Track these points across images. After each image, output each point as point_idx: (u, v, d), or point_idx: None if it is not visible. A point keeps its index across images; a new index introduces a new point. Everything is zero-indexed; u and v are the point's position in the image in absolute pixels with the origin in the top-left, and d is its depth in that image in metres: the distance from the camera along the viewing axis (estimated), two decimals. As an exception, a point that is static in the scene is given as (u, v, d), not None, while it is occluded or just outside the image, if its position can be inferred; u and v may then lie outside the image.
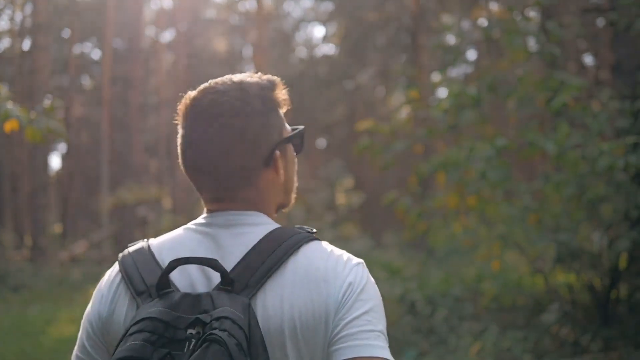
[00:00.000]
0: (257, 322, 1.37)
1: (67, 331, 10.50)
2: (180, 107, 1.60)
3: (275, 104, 1.62)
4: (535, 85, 6.96)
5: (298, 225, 1.60)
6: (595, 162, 5.94)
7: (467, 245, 8.22)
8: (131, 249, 1.57)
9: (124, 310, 1.50)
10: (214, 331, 1.27)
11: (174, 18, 34.01)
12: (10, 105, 5.98)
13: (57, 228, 38.18)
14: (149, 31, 38.36)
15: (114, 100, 30.81)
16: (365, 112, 30.04)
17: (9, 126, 5.97)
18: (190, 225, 1.61)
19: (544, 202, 6.81)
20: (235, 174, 1.55)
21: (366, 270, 1.54)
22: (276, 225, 1.58)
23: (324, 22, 34.52)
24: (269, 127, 1.58)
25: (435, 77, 9.10)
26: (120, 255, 1.57)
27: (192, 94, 1.60)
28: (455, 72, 7.63)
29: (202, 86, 1.60)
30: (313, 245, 1.53)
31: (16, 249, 22.96)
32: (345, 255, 1.54)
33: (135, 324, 1.34)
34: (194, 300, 1.37)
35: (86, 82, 42.01)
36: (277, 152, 1.60)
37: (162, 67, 33.14)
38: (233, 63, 38.80)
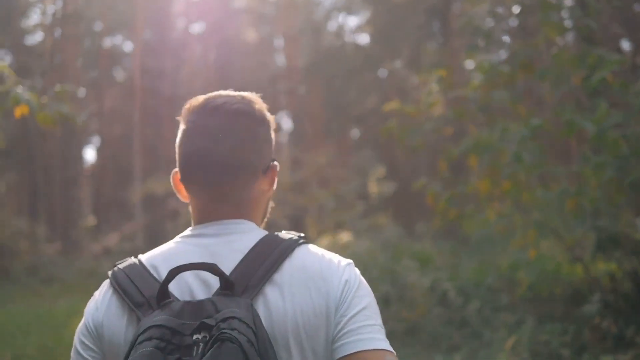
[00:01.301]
0: (261, 322, 1.41)
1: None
2: (189, 105, 1.68)
3: (271, 124, 1.73)
4: (572, 62, 6.55)
5: (286, 231, 1.66)
6: (637, 142, 5.55)
7: (501, 232, 7.84)
8: (121, 265, 1.58)
9: (123, 324, 1.50)
10: (224, 330, 1.29)
11: (204, 9, 33.82)
12: (19, 89, 5.76)
13: (90, 220, 38.36)
14: (180, 22, 38.27)
15: (145, 92, 30.70)
16: (399, 101, 29.57)
17: (19, 111, 5.76)
18: (179, 238, 1.64)
19: (582, 186, 6.38)
20: (240, 169, 1.61)
21: (357, 269, 1.62)
22: (265, 232, 1.64)
23: (355, 11, 34.15)
24: (270, 139, 1.71)
25: (467, 61, 8.70)
26: (110, 272, 1.57)
27: (202, 96, 1.69)
28: (488, 58, 7.24)
29: (210, 93, 1.71)
30: (305, 248, 1.60)
31: (49, 242, 22.92)
32: (335, 256, 1.62)
33: (142, 333, 1.35)
34: (196, 306, 1.40)
35: (118, 74, 42.08)
36: (275, 164, 1.71)
37: (193, 58, 32.92)
38: (264, 53, 38.59)
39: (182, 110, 1.70)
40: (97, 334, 1.53)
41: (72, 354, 1.57)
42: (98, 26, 35.18)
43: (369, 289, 1.60)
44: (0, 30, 30.83)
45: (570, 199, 6.33)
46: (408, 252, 10.82)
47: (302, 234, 1.64)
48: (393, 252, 11.12)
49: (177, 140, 1.70)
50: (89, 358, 1.54)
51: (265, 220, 1.81)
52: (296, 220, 21.70)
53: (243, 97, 1.69)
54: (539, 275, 7.35)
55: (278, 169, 1.73)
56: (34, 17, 35.42)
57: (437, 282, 8.28)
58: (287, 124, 34.92)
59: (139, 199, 26.01)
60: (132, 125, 30.15)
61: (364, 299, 1.55)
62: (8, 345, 8.92)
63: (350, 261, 1.63)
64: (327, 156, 24.09)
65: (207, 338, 1.32)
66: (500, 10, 8.30)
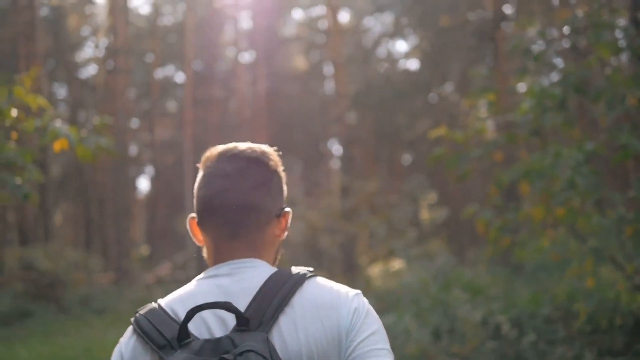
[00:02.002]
0: (278, 353, 1.47)
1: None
2: (209, 153, 1.79)
3: (283, 177, 1.84)
4: (627, 83, 6.28)
5: (294, 267, 1.72)
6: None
7: (556, 260, 7.54)
8: (142, 311, 1.64)
9: None
10: None
11: (253, 38, 34.02)
12: (58, 123, 5.71)
13: (144, 250, 38.64)
14: (229, 52, 38.58)
15: (196, 122, 30.92)
16: (449, 126, 29.31)
17: (58, 146, 5.71)
18: (195, 280, 1.71)
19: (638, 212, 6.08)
20: (255, 211, 1.71)
21: (365, 299, 1.70)
22: (275, 269, 1.71)
23: (403, 36, 34.03)
24: (283, 189, 1.82)
25: (517, 84, 8.45)
26: (132, 319, 1.63)
27: (222, 146, 1.80)
28: (539, 80, 7.01)
29: (227, 144, 1.81)
30: (315, 281, 1.69)
31: (103, 272, 23.08)
32: (344, 287, 1.71)
33: None
34: (214, 344, 1.47)
35: (170, 105, 42.53)
36: (288, 210, 1.81)
37: (242, 87, 33.08)
38: (313, 80, 38.63)
39: (202, 158, 1.80)
40: None
41: None
42: (149, 57, 35.58)
43: (377, 317, 1.69)
44: (55, 64, 31.41)
45: (628, 225, 6.04)
46: (460, 281, 10.53)
47: (311, 268, 1.73)
48: (444, 281, 10.85)
49: (196, 184, 1.79)
50: None
51: (277, 260, 1.86)
52: (347, 248, 21.49)
53: (260, 148, 1.80)
54: (597, 305, 7.03)
55: (290, 216, 1.82)
56: (88, 51, 36.01)
57: (490, 315, 7.98)
58: (337, 151, 34.84)
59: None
60: (183, 154, 30.35)
61: (372, 325, 1.63)
62: (54, 381, 8.87)
63: (359, 291, 1.71)
64: (378, 182, 23.90)
65: None
66: (551, 31, 8.05)
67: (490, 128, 7.51)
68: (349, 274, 19.22)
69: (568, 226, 6.70)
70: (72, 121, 28.16)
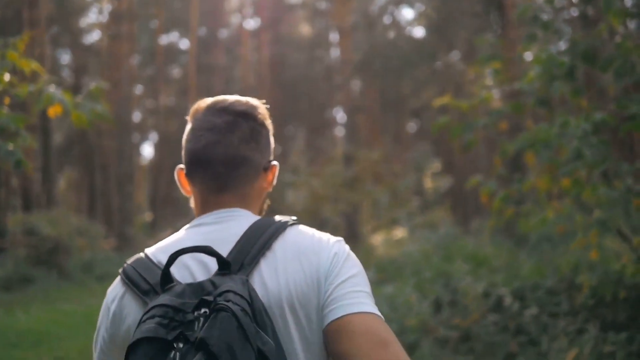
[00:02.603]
0: (257, 294, 1.50)
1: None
2: (197, 106, 1.82)
3: (271, 130, 1.86)
4: (637, 51, 6.10)
5: (278, 216, 1.75)
6: None
7: (561, 232, 7.40)
8: (129, 260, 1.69)
9: (133, 312, 1.60)
10: (219, 302, 1.38)
11: (258, 5, 33.73)
12: (52, 88, 5.58)
13: (147, 216, 38.66)
14: (234, 19, 38.32)
15: (200, 89, 30.74)
16: (455, 94, 29.08)
17: (53, 111, 5.59)
18: (182, 229, 1.76)
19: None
20: (243, 164, 1.74)
21: (347, 245, 1.72)
22: (259, 217, 1.76)
23: (409, 3, 33.66)
24: (270, 142, 1.84)
25: (524, 52, 8.25)
26: (120, 269, 1.68)
27: (210, 98, 1.82)
28: (547, 49, 6.80)
29: (217, 97, 1.83)
30: (297, 228, 1.72)
31: (105, 238, 23.02)
32: (326, 235, 1.73)
33: (146, 313, 1.44)
34: (196, 287, 1.49)
35: (175, 71, 42.31)
36: (275, 163, 1.85)
37: (247, 54, 32.85)
38: (318, 48, 38.35)
39: (191, 110, 1.83)
40: (113, 325, 1.64)
41: (93, 349, 1.73)
42: (154, 24, 35.34)
43: (358, 262, 1.69)
44: (59, 30, 31.18)
45: (636, 197, 5.90)
46: (462, 252, 10.43)
47: (294, 217, 1.75)
48: (446, 252, 10.75)
49: (184, 137, 1.81)
50: (104, 351, 1.68)
51: (263, 211, 1.91)
52: (350, 216, 21.41)
53: (249, 102, 1.81)
54: (601, 278, 6.90)
55: (277, 169, 1.87)
56: (92, 16, 35.75)
57: (493, 287, 7.87)
58: (341, 118, 34.66)
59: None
60: (186, 121, 30.18)
61: (352, 269, 1.64)
62: (52, 348, 8.81)
63: (340, 238, 1.73)
64: (382, 151, 23.76)
65: (207, 313, 1.40)
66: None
67: (495, 97, 7.32)
68: (351, 243, 19.07)
69: (574, 197, 6.55)
70: (76, 87, 27.97)
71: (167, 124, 39.10)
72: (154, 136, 43.59)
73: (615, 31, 6.69)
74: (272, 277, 1.58)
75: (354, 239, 20.08)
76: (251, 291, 1.47)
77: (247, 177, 1.76)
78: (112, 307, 1.65)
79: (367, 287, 1.63)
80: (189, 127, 1.81)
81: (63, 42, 32.94)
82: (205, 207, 1.76)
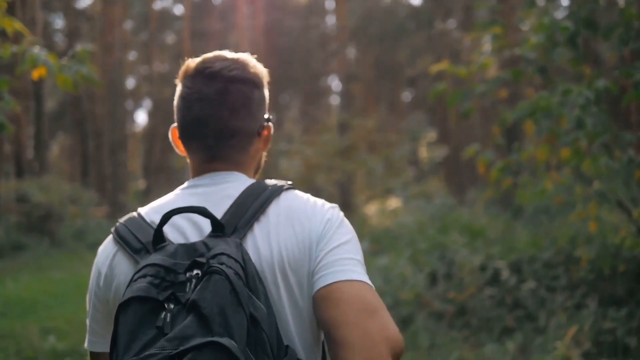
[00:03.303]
0: (250, 258, 1.49)
1: (129, 294, 10.01)
2: (186, 67, 1.74)
3: (265, 83, 1.79)
4: (640, 18, 5.89)
5: (274, 180, 1.73)
6: None
7: (559, 203, 7.24)
8: (122, 219, 1.68)
9: (124, 271, 1.58)
10: (213, 264, 1.37)
11: (253, -30, 33.32)
12: (37, 49, 5.37)
13: (141, 184, 38.49)
14: (229, -16, 37.91)
15: (194, 55, 30.30)
16: (452, 62, 28.74)
17: (37, 73, 5.39)
18: (176, 190, 1.74)
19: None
20: (236, 135, 1.71)
21: (341, 212, 1.71)
22: (254, 180, 1.74)
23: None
24: (264, 101, 1.78)
25: (525, 17, 8.02)
26: (113, 228, 1.66)
27: (199, 59, 1.73)
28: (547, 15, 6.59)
29: (206, 55, 1.75)
30: (292, 192, 1.70)
31: (98, 206, 22.83)
32: (320, 200, 1.71)
33: (138, 272, 1.43)
34: (189, 248, 1.48)
35: (169, 37, 41.91)
36: (269, 124, 1.81)
37: (241, 20, 32.48)
38: (314, 15, 37.97)
39: (180, 72, 1.76)
40: (103, 285, 1.63)
41: (87, 309, 1.72)
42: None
43: (352, 229, 1.67)
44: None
45: (638, 168, 5.72)
46: (458, 223, 10.25)
47: (290, 182, 1.73)
48: (442, 223, 10.58)
49: (175, 102, 1.77)
50: (97, 309, 1.67)
51: (259, 171, 1.90)
52: (344, 186, 21.26)
53: (238, 61, 1.74)
54: (600, 251, 6.75)
55: (272, 128, 1.83)
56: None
57: (489, 260, 7.71)
58: (336, 87, 34.40)
59: (183, 164, 25.87)
60: (181, 88, 29.92)
61: (345, 235, 1.62)
62: (40, 317, 8.66)
63: (335, 205, 1.72)
64: (377, 120, 23.54)
65: (200, 274, 1.39)
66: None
67: (493, 65, 7.09)
68: (345, 213, 18.95)
69: (573, 168, 6.37)
70: (69, 52, 27.57)
71: (161, 91, 38.80)
72: (147, 103, 43.35)
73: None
74: (264, 242, 1.58)
75: (347, 209, 19.93)
76: (244, 255, 1.47)
77: (239, 146, 1.74)
78: (103, 269, 1.63)
79: (358, 255, 1.61)
80: (178, 90, 1.76)
81: (55, 6, 32.51)
82: (200, 171, 1.74)
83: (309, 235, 1.59)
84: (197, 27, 31.21)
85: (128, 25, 32.19)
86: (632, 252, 6.91)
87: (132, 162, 38.59)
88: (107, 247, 1.66)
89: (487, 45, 6.56)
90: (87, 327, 1.72)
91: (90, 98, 28.16)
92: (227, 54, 1.76)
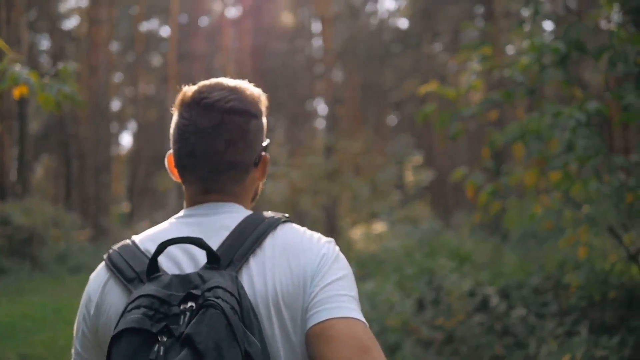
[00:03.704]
0: (246, 292, 1.48)
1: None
2: (183, 96, 1.72)
3: (262, 112, 1.78)
4: (633, 40, 5.81)
5: (271, 212, 1.72)
6: None
7: (548, 228, 7.12)
8: (115, 246, 1.66)
9: (116, 300, 1.56)
10: (209, 298, 1.37)
11: (240, -8, 33.33)
12: (17, 67, 5.22)
13: (125, 207, 38.22)
14: (216, 6, 37.89)
15: (180, 77, 30.30)
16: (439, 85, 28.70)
17: (18, 92, 5.22)
18: (171, 219, 1.73)
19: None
20: (232, 167, 1.69)
21: (337, 247, 1.69)
22: (251, 212, 1.72)
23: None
24: (262, 130, 1.77)
25: (515, 38, 7.94)
26: (106, 254, 1.64)
27: (196, 88, 1.72)
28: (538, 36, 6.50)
29: (203, 83, 1.74)
30: (288, 225, 1.69)
31: (81, 229, 22.57)
32: (316, 234, 1.70)
33: (131, 302, 1.41)
34: (183, 279, 1.47)
35: (155, 59, 41.81)
36: (266, 154, 1.79)
37: (227, 43, 32.43)
38: (300, 38, 37.99)
39: (176, 100, 1.74)
40: (94, 312, 1.59)
41: (74, 333, 1.67)
42: (134, 10, 34.84)
43: (347, 264, 1.66)
44: (38, 15, 30.65)
45: (629, 192, 5.61)
46: (445, 248, 10.12)
47: (286, 214, 1.72)
48: (429, 248, 10.44)
49: (171, 130, 1.74)
50: (83, 347, 1.64)
51: (256, 198, 1.88)
52: (329, 209, 21.12)
53: (236, 90, 1.72)
54: (589, 276, 6.62)
55: (269, 159, 1.81)
56: (70, 1, 35.20)
57: (478, 286, 7.56)
58: (322, 110, 34.34)
59: (172, 185, 25.68)
60: (166, 110, 29.82)
61: (340, 271, 1.60)
62: (18, 342, 8.45)
63: (331, 239, 1.69)
64: (363, 143, 23.46)
65: (194, 307, 1.38)
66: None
67: (483, 85, 6.97)
68: (331, 237, 18.87)
69: (563, 192, 6.26)
70: (59, 74, 27.36)
71: (147, 113, 38.67)
72: (133, 125, 43.16)
73: (599, 21, 6.42)
74: (259, 276, 1.56)
75: (333, 233, 19.79)
76: (240, 289, 1.46)
77: (236, 178, 1.72)
78: (95, 296, 1.61)
79: (353, 291, 1.59)
80: (174, 119, 1.73)
81: (41, 27, 32.38)
82: (195, 201, 1.73)
83: (304, 270, 1.58)
84: (183, 49, 31.10)
85: (114, 46, 32.07)
86: (622, 279, 6.81)
87: (116, 184, 38.34)
88: (99, 274, 1.64)
89: (476, 66, 6.44)
90: (73, 354, 1.67)
91: (75, 119, 27.99)
92: (224, 82, 1.74)
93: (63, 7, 34.21)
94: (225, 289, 1.39)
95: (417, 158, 21.40)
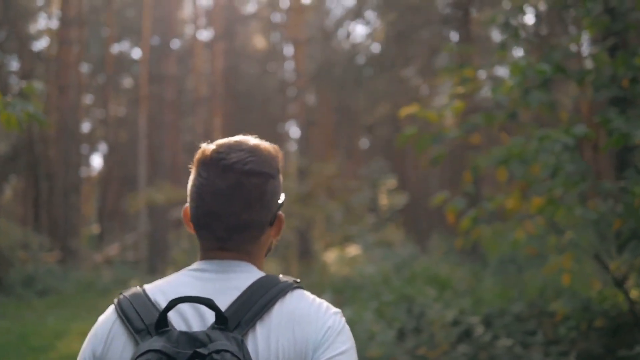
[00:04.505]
0: (250, 357, 1.50)
1: (76, 347, 9.48)
2: (202, 156, 1.74)
3: (279, 170, 1.81)
4: (615, 63, 5.70)
5: (282, 275, 1.74)
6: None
7: (531, 253, 6.97)
8: (127, 293, 1.69)
9: (121, 347, 1.59)
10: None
11: (212, 15, 33.19)
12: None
13: (94, 229, 37.72)
14: (187, 29, 37.70)
15: (151, 99, 30.02)
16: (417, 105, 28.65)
17: (-21, 111, 4.97)
18: (183, 270, 1.75)
19: (629, 205, 5.47)
20: (248, 227, 1.72)
21: (343, 318, 1.70)
22: (263, 274, 1.74)
23: (366, 19, 33.36)
24: (277, 190, 1.79)
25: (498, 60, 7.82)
26: (116, 299, 1.68)
27: (215, 147, 1.74)
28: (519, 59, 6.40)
29: (222, 142, 1.76)
30: (298, 293, 1.70)
31: (50, 251, 22.15)
32: (325, 303, 1.71)
33: (140, 355, 1.45)
34: (190, 337, 1.50)
35: (126, 81, 41.48)
36: (281, 213, 1.81)
37: (199, 65, 32.21)
38: (272, 61, 37.90)
39: (195, 159, 1.76)
40: (101, 353, 1.61)
41: None
42: (105, 32, 34.54)
43: (351, 337, 1.68)
44: (7, 35, 30.26)
45: (617, 218, 5.45)
46: (424, 274, 9.90)
47: (298, 280, 1.73)
48: (408, 273, 10.22)
49: (189, 188, 1.77)
50: None
51: (270, 253, 1.87)
52: (302, 232, 20.90)
53: (254, 151, 1.74)
54: (575, 305, 6.46)
55: (284, 217, 1.82)
56: (41, 22, 34.83)
57: (461, 314, 7.34)
58: (294, 133, 34.19)
59: (142, 207, 25.33)
60: (138, 132, 29.50)
61: (343, 345, 1.62)
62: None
63: (338, 310, 1.71)
64: (336, 166, 23.32)
65: None
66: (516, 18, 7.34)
67: (463, 108, 6.80)
68: (304, 260, 18.66)
69: (547, 218, 6.09)
70: (23, 94, 27.01)
71: (117, 135, 38.27)
72: (103, 147, 42.74)
73: (594, 41, 6.33)
74: (264, 342, 1.58)
75: (306, 256, 19.58)
76: (246, 354, 1.49)
77: (251, 237, 1.74)
78: (102, 338, 1.63)
79: None
80: (192, 177, 1.76)
81: (10, 47, 31.95)
82: (209, 255, 1.74)
83: (307, 341, 1.60)
84: (154, 70, 30.81)
85: (84, 68, 31.73)
86: (604, 306, 6.63)
87: (86, 206, 37.87)
88: (109, 318, 1.66)
89: (459, 88, 6.28)
90: None
91: (44, 141, 27.59)
92: (243, 142, 1.75)
93: (33, 28, 33.84)
94: (232, 354, 1.43)
95: (392, 181, 21.22)
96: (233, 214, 1.68)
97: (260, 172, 1.72)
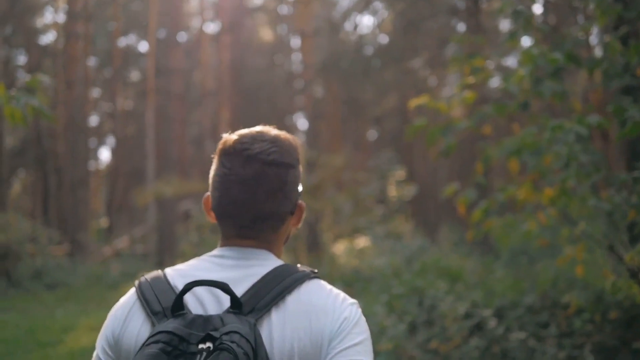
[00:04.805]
0: (262, 341, 1.53)
1: (85, 341, 9.48)
2: (225, 146, 1.77)
3: (299, 160, 1.85)
4: (628, 52, 5.60)
5: (300, 265, 1.76)
6: None
7: (543, 245, 6.87)
8: (148, 276, 1.74)
9: (138, 328, 1.64)
10: (224, 341, 1.42)
11: (219, 7, 33.09)
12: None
13: (103, 222, 37.76)
14: (194, 22, 37.63)
15: (159, 92, 29.96)
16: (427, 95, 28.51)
17: (-16, 105, 4.93)
18: (204, 256, 1.79)
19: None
20: (271, 217, 1.75)
21: (359, 309, 1.72)
22: (282, 262, 1.77)
23: (374, 10, 33.22)
24: (298, 180, 1.83)
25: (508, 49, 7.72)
26: (137, 281, 1.73)
27: (237, 137, 1.77)
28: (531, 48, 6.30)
29: (244, 133, 1.79)
30: (315, 282, 1.72)
31: (58, 245, 22.14)
32: (342, 294, 1.73)
33: (152, 336, 1.50)
34: (205, 320, 1.54)
35: (133, 74, 41.44)
36: (302, 202, 1.86)
37: (206, 58, 32.14)
38: (279, 53, 37.79)
39: (217, 149, 1.79)
40: (117, 339, 1.65)
41: (94, 355, 1.72)
42: (112, 26, 34.49)
43: (366, 328, 1.69)
44: (14, 30, 30.26)
45: (632, 209, 5.36)
46: (434, 266, 9.81)
47: (316, 270, 1.75)
48: (419, 266, 10.13)
49: (211, 179, 1.79)
50: (107, 354, 1.67)
51: (288, 241, 1.91)
52: (311, 225, 20.85)
53: (276, 142, 1.77)
54: (589, 297, 6.37)
55: (304, 206, 1.86)
56: (47, 16, 34.84)
57: (473, 307, 7.25)
58: (302, 125, 34.15)
59: (151, 201, 25.32)
60: (145, 125, 29.47)
61: (359, 336, 1.63)
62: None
63: (355, 301, 1.72)
64: (344, 158, 23.24)
65: (211, 348, 1.43)
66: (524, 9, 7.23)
67: (474, 98, 6.70)
68: (313, 252, 18.58)
69: (560, 209, 5.99)
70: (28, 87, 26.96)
71: (125, 128, 38.27)
72: (111, 140, 42.79)
73: (606, 30, 6.23)
74: (279, 329, 1.60)
75: (315, 248, 19.52)
76: (257, 337, 1.51)
77: (273, 226, 1.77)
78: (123, 315, 1.68)
79: (369, 356, 1.64)
80: (215, 166, 1.80)
81: (17, 42, 31.97)
82: (231, 243, 1.78)
83: (322, 331, 1.61)
84: (161, 64, 30.74)
85: (91, 61, 31.68)
86: (618, 298, 6.53)
87: (95, 200, 37.91)
88: (129, 299, 1.71)
89: (470, 78, 6.19)
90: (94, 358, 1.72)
91: (52, 135, 27.62)
92: (265, 132, 1.78)
93: (40, 22, 33.86)
94: (242, 335, 1.45)
95: (401, 173, 21.10)
96: (257, 203, 1.71)
97: (283, 162, 1.75)
